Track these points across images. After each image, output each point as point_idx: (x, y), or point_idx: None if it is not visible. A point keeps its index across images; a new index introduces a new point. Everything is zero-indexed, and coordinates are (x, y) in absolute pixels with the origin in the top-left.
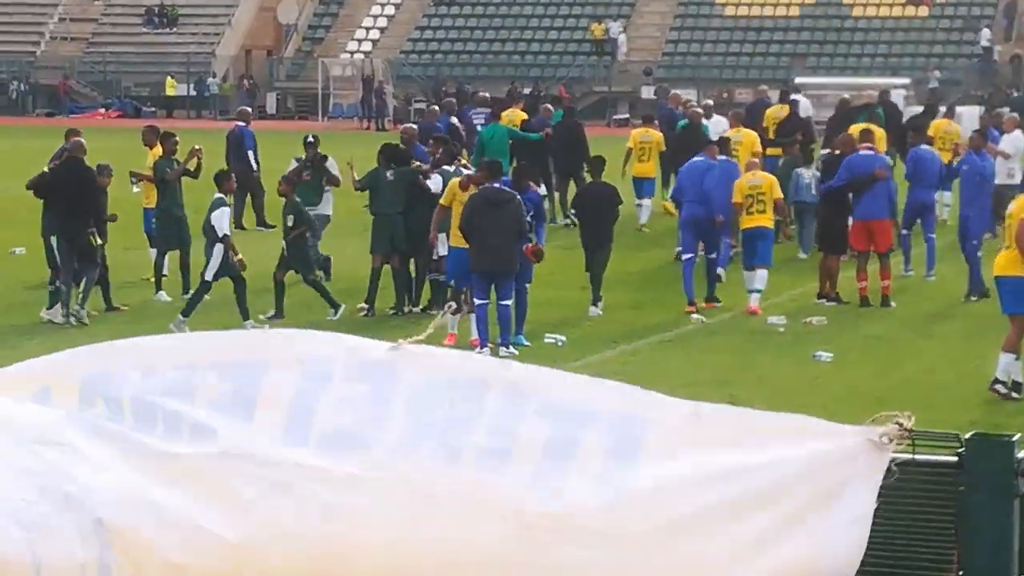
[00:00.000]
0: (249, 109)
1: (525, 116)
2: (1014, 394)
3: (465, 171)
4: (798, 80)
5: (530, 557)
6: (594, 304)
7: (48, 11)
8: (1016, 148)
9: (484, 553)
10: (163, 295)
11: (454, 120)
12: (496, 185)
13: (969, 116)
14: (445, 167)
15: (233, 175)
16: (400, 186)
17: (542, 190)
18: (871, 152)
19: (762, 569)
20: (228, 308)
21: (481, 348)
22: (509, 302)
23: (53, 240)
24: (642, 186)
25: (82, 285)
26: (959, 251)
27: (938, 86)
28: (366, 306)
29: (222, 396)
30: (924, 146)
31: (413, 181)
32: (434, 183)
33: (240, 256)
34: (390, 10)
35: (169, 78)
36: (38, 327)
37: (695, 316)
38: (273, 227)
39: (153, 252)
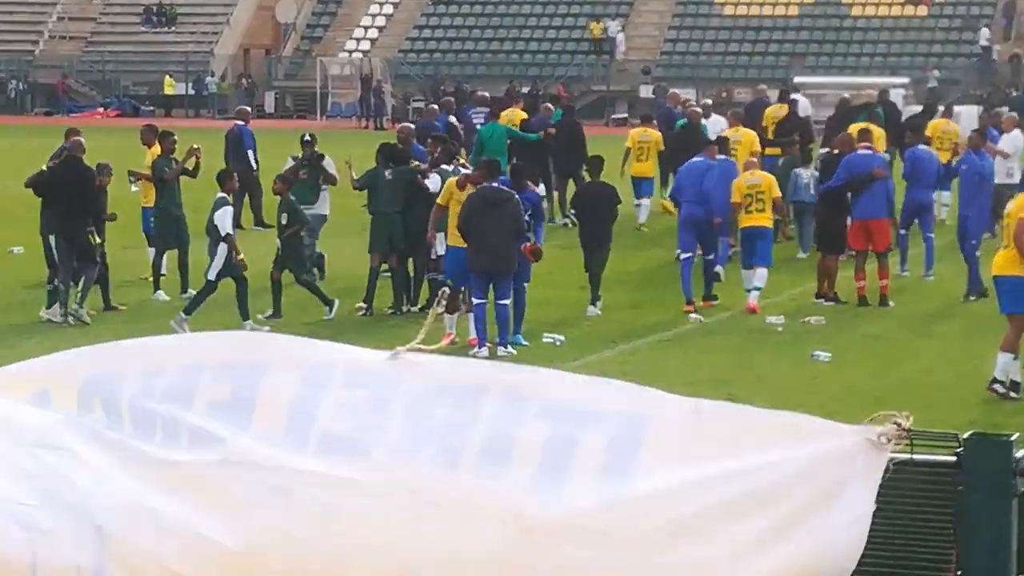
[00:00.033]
0: (248, 108)
1: (525, 115)
2: (1012, 394)
3: (463, 170)
4: (797, 79)
5: (530, 559)
6: (593, 304)
7: (47, 10)
8: (1015, 147)
9: (484, 556)
10: (161, 294)
11: (452, 119)
12: (495, 184)
13: (968, 115)
14: (443, 166)
15: (235, 174)
16: (399, 185)
17: (541, 190)
18: (869, 152)
19: (762, 569)
20: (227, 308)
21: (479, 347)
22: (507, 301)
23: (51, 239)
24: (641, 186)
25: (81, 284)
26: (958, 251)
27: (937, 85)
28: (364, 305)
29: (221, 398)
30: (921, 146)
31: (412, 180)
32: (432, 182)
33: (242, 256)
34: (388, 9)
35: (167, 77)
36: (37, 326)
37: (693, 315)
38: (271, 227)
39: (151, 251)
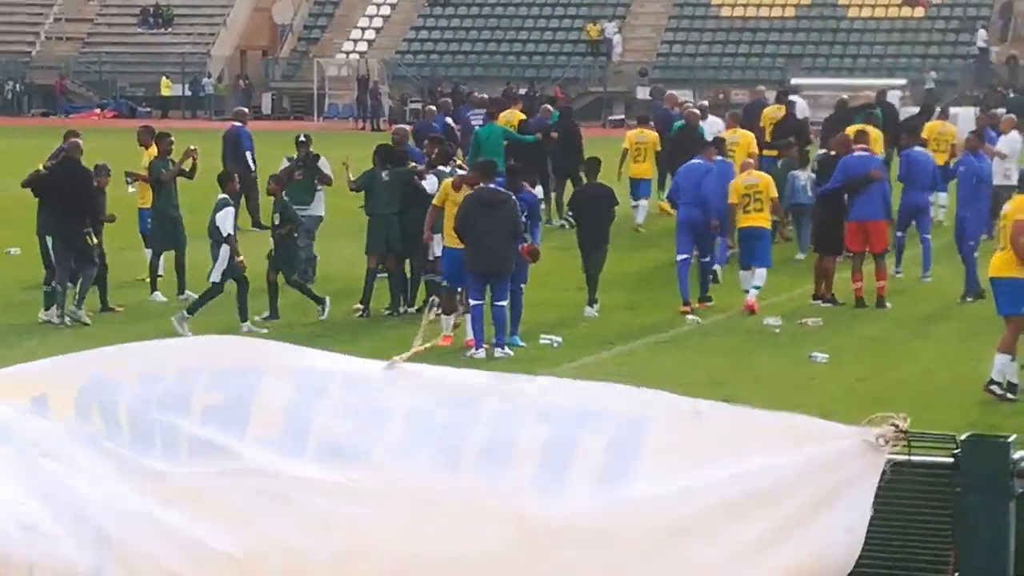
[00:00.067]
0: (246, 110)
1: (523, 116)
2: (1009, 395)
3: (460, 171)
4: (794, 81)
5: (530, 560)
6: (590, 305)
7: (44, 11)
8: (1013, 149)
9: (484, 556)
10: (158, 295)
11: (449, 120)
12: (491, 186)
13: (964, 117)
14: (440, 167)
15: (236, 175)
16: (396, 187)
17: (539, 191)
18: (866, 153)
19: (761, 570)
20: (226, 309)
21: (476, 349)
22: (504, 303)
23: (48, 240)
24: (638, 187)
25: (79, 285)
26: (955, 252)
27: (934, 87)
28: (361, 307)
29: (217, 404)
30: (917, 147)
31: (408, 182)
32: (429, 184)
33: (242, 257)
34: (385, 10)
35: (164, 78)
36: (36, 327)
37: (690, 317)
38: (268, 228)
39: (148, 252)
